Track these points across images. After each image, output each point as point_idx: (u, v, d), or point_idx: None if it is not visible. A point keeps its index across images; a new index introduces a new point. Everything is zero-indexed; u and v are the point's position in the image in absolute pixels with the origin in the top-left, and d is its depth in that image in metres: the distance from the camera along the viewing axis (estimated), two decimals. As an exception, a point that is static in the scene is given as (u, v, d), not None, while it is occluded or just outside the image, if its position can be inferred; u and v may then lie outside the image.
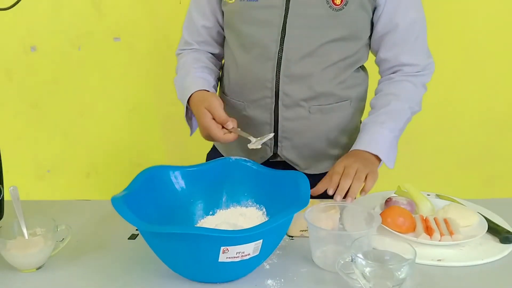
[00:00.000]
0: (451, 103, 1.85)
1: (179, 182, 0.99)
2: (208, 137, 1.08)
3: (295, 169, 1.19)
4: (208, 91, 1.13)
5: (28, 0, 1.06)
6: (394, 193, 1.13)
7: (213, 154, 1.33)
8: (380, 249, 0.86)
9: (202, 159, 1.32)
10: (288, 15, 1.09)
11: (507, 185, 1.83)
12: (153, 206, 0.93)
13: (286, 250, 0.96)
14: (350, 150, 1.11)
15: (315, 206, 0.95)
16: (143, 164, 1.83)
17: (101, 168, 1.94)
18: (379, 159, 1.09)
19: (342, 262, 0.84)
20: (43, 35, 1.76)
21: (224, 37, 1.24)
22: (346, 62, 1.14)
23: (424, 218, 1.03)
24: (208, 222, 0.99)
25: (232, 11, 1.15)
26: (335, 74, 1.14)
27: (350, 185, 1.01)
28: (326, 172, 1.12)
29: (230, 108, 1.22)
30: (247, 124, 1.16)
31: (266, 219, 0.97)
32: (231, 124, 1.05)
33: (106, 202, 1.13)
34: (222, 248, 0.76)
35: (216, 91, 1.21)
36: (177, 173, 0.99)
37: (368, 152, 1.07)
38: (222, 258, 0.77)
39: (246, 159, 1.04)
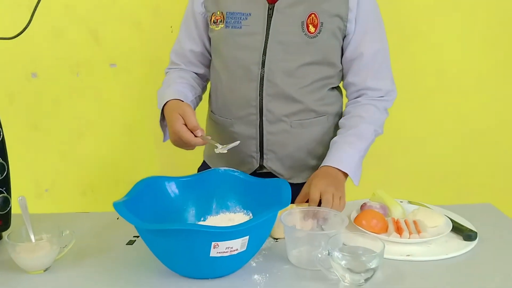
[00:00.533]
0: (426, 116, 1.96)
1: (173, 191, 1.09)
2: (178, 141, 1.15)
3: None
4: (183, 101, 1.22)
5: (30, 29, 1.12)
6: (369, 199, 1.24)
7: (204, 168, 1.44)
8: (352, 244, 0.97)
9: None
10: (268, 41, 1.21)
11: (475, 194, 1.95)
12: (150, 211, 1.02)
13: (271, 251, 1.05)
14: (321, 165, 1.21)
15: (291, 210, 1.05)
16: (135, 182, 1.92)
17: (97, 187, 2.01)
18: (346, 175, 1.20)
19: (320, 256, 0.94)
20: (44, 62, 1.85)
21: (210, 60, 1.36)
22: (322, 83, 1.27)
23: (396, 220, 1.13)
24: (200, 227, 1.09)
25: (218, 37, 1.27)
26: (312, 93, 1.26)
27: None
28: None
29: (218, 125, 1.33)
30: (235, 139, 1.26)
31: (253, 223, 1.07)
32: (200, 132, 1.13)
33: (105, 213, 1.23)
34: (213, 243, 0.85)
35: (193, 106, 1.31)
36: (171, 182, 1.09)
37: (338, 169, 1.18)
38: (213, 253, 0.87)
39: (234, 169, 1.14)
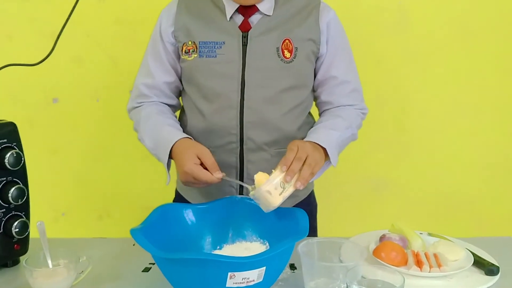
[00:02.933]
0: (446, 145, 1.95)
1: (190, 218, 1.09)
2: (191, 180, 1.11)
3: None
4: (191, 139, 1.19)
5: (52, 56, 1.14)
6: (388, 231, 1.22)
7: (178, 201, 1.39)
8: (372, 277, 0.94)
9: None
10: (246, 68, 1.21)
11: (495, 226, 1.90)
12: (166, 238, 1.01)
13: (287, 282, 1.04)
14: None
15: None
16: (151, 207, 1.93)
17: (113, 211, 2.01)
18: (325, 156, 1.16)
19: (337, 289, 0.92)
20: (65, 88, 1.88)
21: (181, 90, 1.32)
22: (300, 108, 1.27)
23: (416, 252, 1.11)
24: (216, 256, 1.08)
25: (192, 67, 1.24)
26: (292, 119, 1.26)
27: (301, 170, 1.06)
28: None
29: None
30: None
31: (269, 252, 1.06)
32: (220, 174, 1.11)
33: (121, 239, 1.23)
34: (229, 273, 0.84)
35: None
36: (188, 210, 1.09)
37: (317, 144, 1.15)
38: (229, 283, 0.86)
39: (250, 197, 1.13)
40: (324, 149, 1.16)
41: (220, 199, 1.14)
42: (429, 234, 1.24)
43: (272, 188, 1.03)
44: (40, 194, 1.96)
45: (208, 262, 0.84)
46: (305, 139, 1.19)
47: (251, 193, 1.05)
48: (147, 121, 1.26)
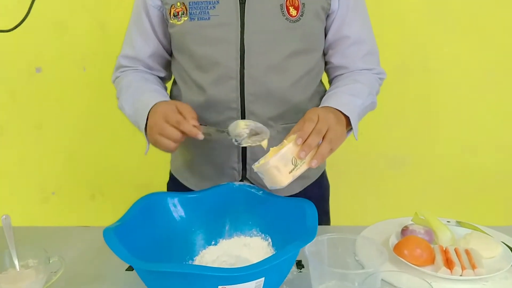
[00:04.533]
0: (476, 120, 1.78)
1: (178, 210, 0.94)
2: (160, 127, 0.95)
3: None
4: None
5: (33, 21, 1.02)
6: (411, 221, 1.06)
7: (174, 184, 1.26)
8: (396, 285, 0.79)
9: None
10: (245, 32, 1.04)
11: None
12: (150, 237, 0.87)
13: (293, 285, 0.89)
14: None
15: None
16: (149, 185, 1.79)
17: (106, 190, 1.91)
18: (347, 125, 1.01)
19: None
20: (49, 56, 1.74)
21: (170, 61, 1.17)
22: (310, 76, 1.11)
23: (444, 249, 0.96)
24: (210, 252, 0.94)
25: (182, 33, 1.08)
26: (301, 89, 1.09)
27: (320, 146, 0.90)
28: (296, 194, 1.09)
29: None
30: (212, 149, 1.10)
31: (272, 251, 0.91)
32: (197, 123, 0.95)
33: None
34: (219, 287, 0.69)
35: None
36: (175, 200, 0.94)
37: (339, 111, 0.99)
38: (221, 297, 0.71)
39: (251, 184, 0.97)
40: (346, 119, 0.99)
41: (214, 186, 0.99)
42: (458, 223, 1.09)
43: (281, 164, 0.87)
44: (27, 173, 1.87)
45: (195, 276, 0.68)
46: (323, 105, 1.03)
47: (256, 166, 0.89)
48: (128, 88, 1.12)
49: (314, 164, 0.89)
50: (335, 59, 1.14)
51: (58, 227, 1.18)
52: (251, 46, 1.05)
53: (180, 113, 0.96)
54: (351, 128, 1.03)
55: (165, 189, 1.30)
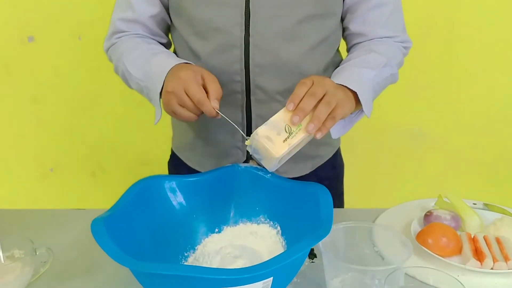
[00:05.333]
0: (504, 92, 1.66)
1: (177, 196, 0.85)
2: (178, 95, 0.84)
3: None
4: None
5: None
6: (435, 204, 0.97)
7: (175, 163, 1.17)
8: (419, 279, 0.71)
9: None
10: None
11: None
12: (146, 226, 0.79)
13: (305, 278, 0.81)
14: None
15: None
16: (149, 163, 1.71)
17: (107, 167, 1.83)
18: (356, 102, 0.89)
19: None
20: (41, 24, 1.64)
21: (169, 25, 1.06)
22: (326, 44, 0.99)
23: (472, 237, 0.87)
24: (213, 241, 0.85)
25: None
26: (315, 59, 0.98)
27: (316, 108, 0.80)
28: (307, 175, 1.03)
29: None
30: (215, 126, 1.00)
31: (281, 240, 0.83)
32: (217, 105, 0.85)
33: (102, 211, 1.00)
34: (223, 289, 0.61)
35: None
36: (173, 184, 0.85)
37: (345, 86, 0.88)
38: (225, 298, 0.63)
39: (258, 166, 0.88)
40: (355, 94, 0.88)
41: (218, 168, 0.90)
42: (486, 206, 1.00)
43: (273, 134, 0.78)
44: (24, 148, 1.79)
45: (193, 280, 0.60)
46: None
47: (247, 142, 0.81)
48: (133, 51, 0.98)
49: (311, 129, 0.78)
50: (353, 25, 1.01)
51: (49, 210, 1.11)
52: (258, 10, 0.93)
53: (204, 87, 0.85)
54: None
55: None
